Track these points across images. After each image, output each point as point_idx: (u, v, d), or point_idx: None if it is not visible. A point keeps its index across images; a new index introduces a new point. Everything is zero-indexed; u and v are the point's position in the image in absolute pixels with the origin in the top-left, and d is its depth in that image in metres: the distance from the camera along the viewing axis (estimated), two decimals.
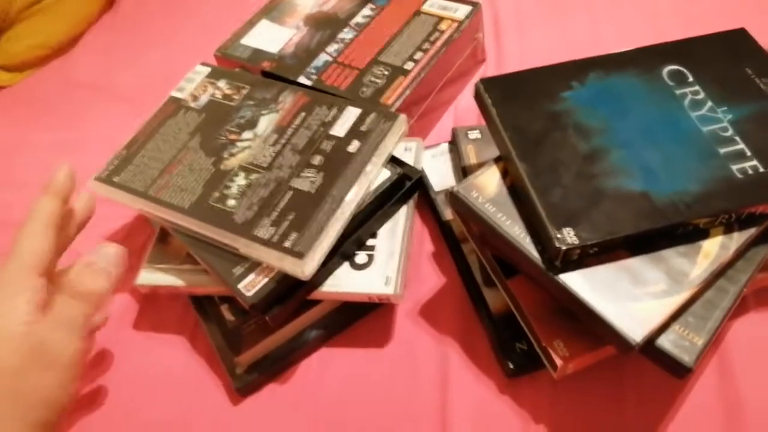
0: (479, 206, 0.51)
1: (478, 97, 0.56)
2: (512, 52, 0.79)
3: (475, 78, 0.77)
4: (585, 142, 0.52)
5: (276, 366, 0.56)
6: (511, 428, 0.51)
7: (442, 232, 0.63)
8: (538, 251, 0.48)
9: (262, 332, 0.55)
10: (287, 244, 0.52)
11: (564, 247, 0.45)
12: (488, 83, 0.56)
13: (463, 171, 0.63)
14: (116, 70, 0.91)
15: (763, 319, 0.53)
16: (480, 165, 0.63)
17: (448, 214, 0.62)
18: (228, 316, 0.57)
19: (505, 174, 0.53)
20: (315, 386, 0.56)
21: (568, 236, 0.46)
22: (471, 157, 0.64)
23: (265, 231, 0.53)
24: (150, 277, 0.58)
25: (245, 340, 0.55)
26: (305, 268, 0.51)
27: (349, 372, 0.56)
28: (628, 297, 0.45)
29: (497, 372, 0.54)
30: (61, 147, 0.82)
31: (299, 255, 0.51)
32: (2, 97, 0.91)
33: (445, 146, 0.68)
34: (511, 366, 0.52)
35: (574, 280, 0.46)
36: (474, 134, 0.66)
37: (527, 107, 0.54)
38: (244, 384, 0.55)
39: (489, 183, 0.52)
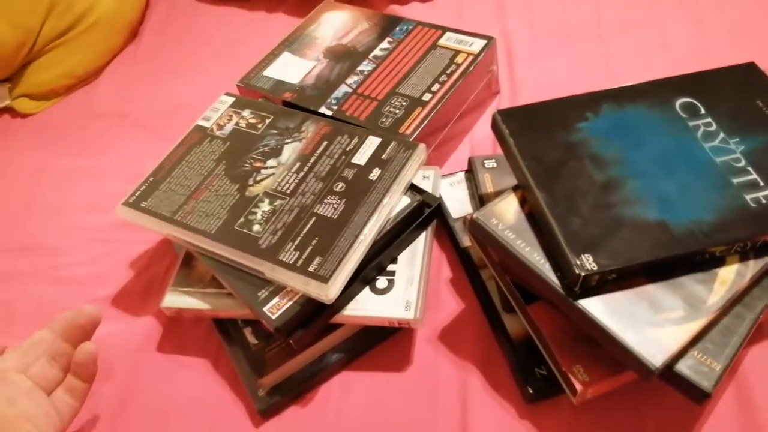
0: (499, 233, 0.52)
1: (495, 127, 0.58)
2: (526, 83, 0.81)
3: (490, 109, 0.79)
4: (601, 172, 0.53)
5: (298, 389, 0.57)
6: None
7: (461, 258, 0.64)
8: (558, 277, 0.49)
9: (285, 355, 0.56)
10: (311, 268, 0.53)
11: (583, 273, 0.47)
12: (506, 114, 0.58)
13: (480, 199, 0.65)
14: (136, 99, 0.94)
15: None
16: (497, 193, 0.64)
17: (466, 240, 0.63)
18: (251, 339, 0.58)
19: (523, 202, 0.54)
20: (336, 409, 0.56)
21: (587, 262, 0.47)
22: (488, 185, 0.65)
23: (289, 255, 0.54)
24: (175, 300, 0.59)
25: (268, 362, 0.56)
26: (329, 291, 0.52)
27: (370, 396, 0.57)
28: (647, 323, 0.46)
29: (517, 397, 0.54)
30: (81, 173, 0.84)
31: (324, 279, 0.52)
32: (27, 124, 0.94)
33: (461, 175, 0.69)
34: (531, 391, 0.53)
35: (594, 306, 0.47)
36: (490, 163, 0.67)
37: (544, 137, 0.56)
38: (266, 406, 0.55)
39: (508, 210, 0.54)
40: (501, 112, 0.58)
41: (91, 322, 0.55)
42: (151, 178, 0.64)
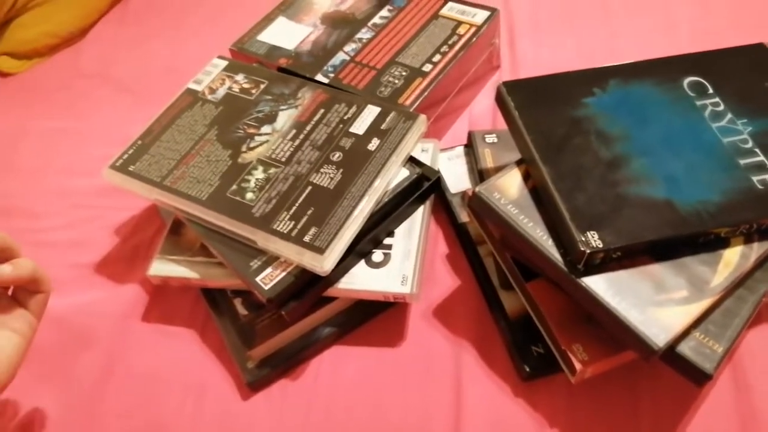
0: (501, 207, 0.51)
1: (499, 99, 0.56)
2: (527, 59, 0.79)
3: (490, 84, 0.77)
4: (607, 148, 0.52)
5: (288, 362, 0.55)
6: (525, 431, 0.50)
7: (458, 234, 0.63)
8: (561, 254, 0.48)
9: (276, 327, 0.55)
10: (307, 238, 0.51)
11: (588, 250, 0.45)
12: (511, 86, 0.56)
13: (479, 174, 0.63)
14: (123, 62, 0.91)
15: None
16: (497, 169, 0.63)
17: (464, 216, 0.62)
18: (241, 310, 0.56)
19: (526, 177, 0.53)
20: (326, 383, 0.55)
21: (593, 240, 0.46)
22: (488, 160, 0.64)
23: (284, 225, 0.53)
24: (163, 267, 0.57)
25: (258, 334, 0.54)
26: (325, 263, 0.50)
27: (361, 371, 0.56)
28: (651, 302, 0.45)
29: (512, 375, 0.54)
30: (63, 135, 0.81)
31: (319, 250, 0.50)
32: (8, 84, 0.90)
33: (460, 149, 0.68)
34: (528, 369, 0.52)
35: (597, 284, 0.46)
36: (491, 138, 0.66)
37: (550, 112, 0.54)
38: (255, 378, 0.54)
39: (511, 185, 0.52)
40: (506, 84, 0.56)
41: None
42: (140, 142, 0.61)
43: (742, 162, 0.51)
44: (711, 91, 0.56)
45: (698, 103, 0.55)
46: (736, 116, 0.54)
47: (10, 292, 0.49)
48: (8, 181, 0.77)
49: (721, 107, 0.55)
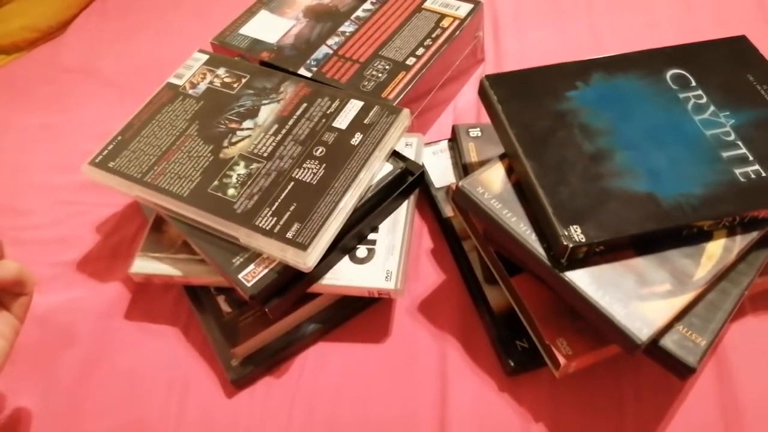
0: (485, 202, 0.50)
1: (482, 93, 0.56)
2: (511, 52, 0.79)
3: (474, 77, 0.77)
4: (590, 142, 0.52)
5: (272, 359, 0.55)
6: (510, 426, 0.50)
7: (442, 229, 0.62)
8: (544, 249, 0.48)
9: (259, 324, 0.54)
10: (289, 234, 0.51)
11: (571, 245, 0.45)
12: (494, 80, 0.56)
13: (464, 168, 0.63)
14: (104, 56, 0.89)
15: (761, 322, 0.54)
16: (481, 163, 0.63)
17: (448, 210, 0.62)
18: (224, 307, 0.56)
19: (510, 171, 0.52)
20: (311, 380, 0.55)
21: (575, 234, 0.46)
22: (472, 154, 0.64)
23: (266, 221, 0.52)
24: (145, 265, 0.56)
25: (242, 331, 0.54)
26: (308, 259, 0.50)
27: (346, 367, 0.55)
28: (634, 296, 0.45)
29: (497, 369, 0.53)
30: (46, 131, 0.80)
31: (302, 246, 0.50)
32: None
33: (444, 144, 0.67)
34: (512, 363, 0.52)
35: (580, 278, 0.46)
36: (475, 132, 0.66)
37: (533, 105, 0.54)
38: (239, 376, 0.54)
39: (494, 179, 0.52)
40: (489, 77, 0.56)
41: None
42: (119, 137, 0.60)
43: (725, 155, 0.51)
44: (693, 83, 0.56)
45: (681, 95, 0.55)
46: (718, 109, 0.54)
47: None
48: None
49: (704, 99, 0.55)
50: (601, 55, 0.59)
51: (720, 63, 0.58)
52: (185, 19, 0.93)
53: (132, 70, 0.87)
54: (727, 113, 0.54)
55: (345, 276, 0.54)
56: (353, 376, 0.55)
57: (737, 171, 0.50)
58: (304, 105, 0.61)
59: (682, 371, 0.45)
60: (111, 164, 0.58)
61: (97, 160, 0.59)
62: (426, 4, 0.73)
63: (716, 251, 0.48)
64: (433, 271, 0.60)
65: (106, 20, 0.95)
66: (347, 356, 0.56)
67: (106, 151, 0.59)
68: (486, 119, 0.69)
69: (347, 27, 0.72)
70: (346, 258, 0.55)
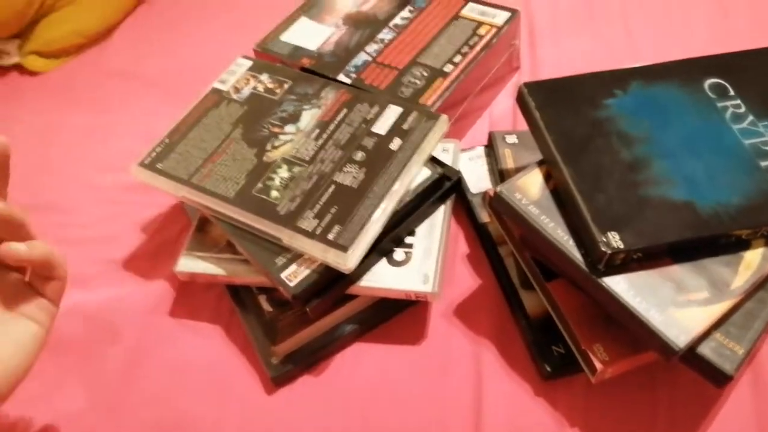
0: (523, 208, 0.51)
1: (521, 100, 0.57)
2: (547, 60, 0.80)
3: (510, 85, 0.78)
4: (628, 150, 0.52)
5: (311, 358, 0.56)
6: (545, 430, 0.51)
7: (478, 234, 0.63)
8: (582, 255, 0.48)
9: (299, 324, 0.56)
10: (331, 236, 0.52)
11: (609, 251, 0.46)
12: (532, 87, 0.57)
13: (500, 174, 0.64)
14: (148, 60, 0.92)
15: None
16: (517, 169, 0.64)
17: (484, 216, 0.62)
18: (266, 306, 0.57)
19: (548, 177, 0.53)
20: (348, 380, 0.56)
21: (614, 240, 0.47)
22: (508, 161, 0.64)
23: (308, 223, 0.54)
24: (190, 264, 0.58)
25: (282, 330, 0.56)
26: (348, 261, 0.51)
27: (382, 367, 0.56)
28: (672, 303, 0.46)
29: (532, 374, 0.54)
30: (93, 132, 0.83)
31: (343, 248, 0.51)
32: (37, 82, 0.92)
33: (480, 150, 0.68)
34: (549, 368, 0.53)
35: (618, 284, 0.47)
36: (511, 138, 0.66)
37: (571, 112, 0.55)
38: (279, 374, 0.55)
39: (532, 185, 0.53)
40: (527, 84, 0.57)
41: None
42: (167, 140, 0.62)
43: (763, 164, 0.51)
44: (732, 92, 0.56)
45: (719, 104, 0.56)
46: (757, 118, 0.55)
47: (27, 278, 0.48)
48: (41, 177, 0.78)
49: (743, 109, 0.55)
50: (638, 63, 0.59)
51: (759, 72, 0.58)
52: (225, 25, 0.95)
53: (174, 73, 0.89)
54: (766, 123, 0.54)
55: (383, 278, 0.55)
56: (389, 377, 0.56)
57: None
58: (345, 110, 0.62)
59: (718, 379, 0.45)
60: (159, 166, 0.60)
61: (146, 162, 0.61)
62: (463, 12, 0.74)
63: (754, 260, 0.48)
64: (469, 275, 0.61)
65: (148, 26, 0.98)
66: (383, 358, 0.57)
67: (154, 153, 0.62)
68: (522, 126, 0.69)
69: (385, 34, 0.74)
70: (384, 260, 0.57)
